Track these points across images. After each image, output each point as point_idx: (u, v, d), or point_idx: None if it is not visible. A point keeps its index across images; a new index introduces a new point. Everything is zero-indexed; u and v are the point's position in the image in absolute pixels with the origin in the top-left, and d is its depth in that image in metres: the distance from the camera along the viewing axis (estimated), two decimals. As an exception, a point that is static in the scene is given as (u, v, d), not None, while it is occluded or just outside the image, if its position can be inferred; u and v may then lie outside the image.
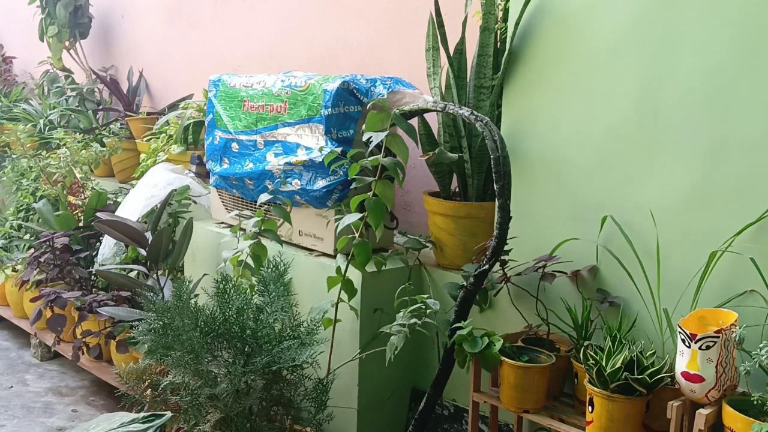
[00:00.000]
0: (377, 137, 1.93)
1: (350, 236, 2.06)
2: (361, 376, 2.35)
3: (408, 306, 1.99)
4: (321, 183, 2.37)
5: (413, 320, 1.97)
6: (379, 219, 1.96)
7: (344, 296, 2.12)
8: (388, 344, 1.99)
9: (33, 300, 3.09)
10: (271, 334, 1.83)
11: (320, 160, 2.31)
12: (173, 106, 4.05)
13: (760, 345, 1.57)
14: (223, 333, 1.78)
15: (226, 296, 1.85)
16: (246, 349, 1.79)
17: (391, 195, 1.98)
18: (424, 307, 1.97)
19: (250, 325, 1.82)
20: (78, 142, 3.81)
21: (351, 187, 2.30)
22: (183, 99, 4.02)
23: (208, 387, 1.71)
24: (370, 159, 1.96)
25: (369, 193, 1.99)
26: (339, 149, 2.15)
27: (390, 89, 2.36)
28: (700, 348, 1.57)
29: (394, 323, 2.00)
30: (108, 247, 3.12)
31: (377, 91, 2.37)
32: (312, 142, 2.38)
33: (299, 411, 1.92)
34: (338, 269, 2.11)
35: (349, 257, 2.10)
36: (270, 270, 2.25)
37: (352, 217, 2.00)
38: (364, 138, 1.99)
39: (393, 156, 1.99)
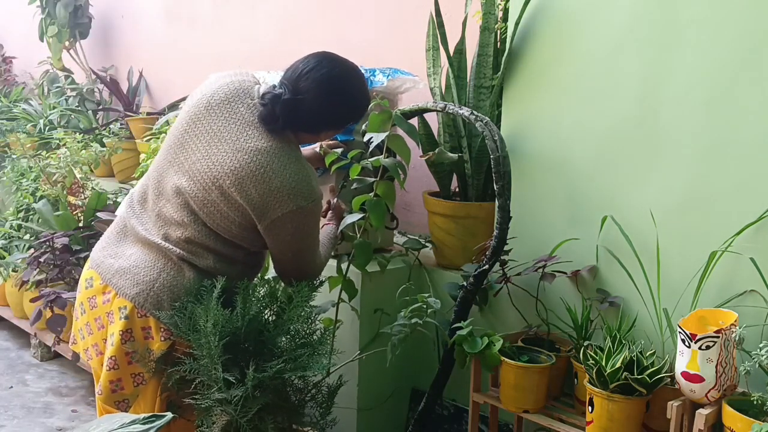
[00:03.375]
0: (378, 138, 1.93)
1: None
2: (361, 376, 2.35)
3: (409, 306, 1.99)
4: None
5: (414, 320, 1.97)
6: (381, 219, 1.96)
7: (344, 296, 2.12)
8: (389, 344, 1.99)
9: (33, 300, 3.09)
10: (285, 342, 1.83)
11: None
12: (173, 106, 4.05)
13: (760, 345, 1.57)
14: (239, 338, 1.78)
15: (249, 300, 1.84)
16: (263, 352, 1.79)
17: (392, 195, 1.98)
18: (425, 306, 1.97)
19: (267, 328, 1.82)
20: (78, 142, 3.80)
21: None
22: (183, 99, 4.00)
23: (220, 392, 1.71)
24: (371, 160, 1.96)
25: (370, 194, 1.99)
26: (339, 150, 2.16)
27: (389, 77, 2.36)
28: (700, 348, 1.57)
29: (395, 323, 2.00)
30: (108, 247, 3.12)
31: (377, 79, 2.36)
32: None
33: (302, 416, 1.92)
34: (339, 269, 2.11)
35: (350, 257, 2.09)
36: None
37: (354, 217, 2.00)
38: (365, 138, 1.98)
39: (393, 156, 1.99)
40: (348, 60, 1.88)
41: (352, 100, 1.88)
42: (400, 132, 2.02)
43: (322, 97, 1.80)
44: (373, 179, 1.98)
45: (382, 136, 1.93)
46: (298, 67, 1.82)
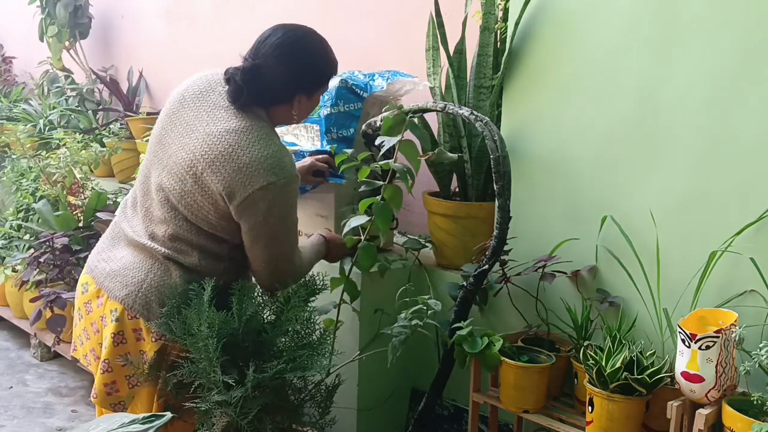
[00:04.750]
0: (389, 142, 1.94)
1: (355, 236, 2.05)
2: (361, 376, 2.35)
3: (409, 307, 1.98)
4: None
5: (414, 321, 1.97)
6: (387, 223, 1.97)
7: (346, 297, 2.12)
8: (390, 346, 1.99)
9: (33, 300, 3.09)
10: (284, 343, 1.83)
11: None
12: (173, 106, 4.04)
13: (760, 345, 1.57)
14: (237, 339, 1.78)
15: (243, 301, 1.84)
16: (262, 352, 1.79)
17: (399, 199, 1.98)
18: (425, 308, 1.97)
19: (266, 329, 1.82)
20: (78, 142, 3.80)
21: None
22: (183, 99, 4.01)
23: (220, 394, 1.71)
24: (381, 163, 1.96)
25: (377, 197, 1.98)
26: (349, 150, 2.15)
27: (389, 80, 2.36)
28: (699, 348, 1.57)
29: (396, 324, 2.00)
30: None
31: (376, 83, 2.36)
32: (308, 144, 2.38)
33: (302, 416, 1.92)
34: (341, 270, 2.10)
35: (353, 259, 2.09)
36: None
37: (360, 219, 2.00)
38: (377, 142, 1.99)
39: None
40: (305, 25, 1.91)
41: (314, 56, 1.88)
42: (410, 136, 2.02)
43: (283, 57, 1.81)
44: (380, 183, 1.98)
45: (394, 140, 1.94)
46: (257, 40, 1.86)
